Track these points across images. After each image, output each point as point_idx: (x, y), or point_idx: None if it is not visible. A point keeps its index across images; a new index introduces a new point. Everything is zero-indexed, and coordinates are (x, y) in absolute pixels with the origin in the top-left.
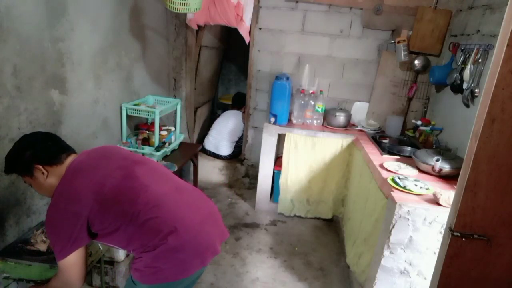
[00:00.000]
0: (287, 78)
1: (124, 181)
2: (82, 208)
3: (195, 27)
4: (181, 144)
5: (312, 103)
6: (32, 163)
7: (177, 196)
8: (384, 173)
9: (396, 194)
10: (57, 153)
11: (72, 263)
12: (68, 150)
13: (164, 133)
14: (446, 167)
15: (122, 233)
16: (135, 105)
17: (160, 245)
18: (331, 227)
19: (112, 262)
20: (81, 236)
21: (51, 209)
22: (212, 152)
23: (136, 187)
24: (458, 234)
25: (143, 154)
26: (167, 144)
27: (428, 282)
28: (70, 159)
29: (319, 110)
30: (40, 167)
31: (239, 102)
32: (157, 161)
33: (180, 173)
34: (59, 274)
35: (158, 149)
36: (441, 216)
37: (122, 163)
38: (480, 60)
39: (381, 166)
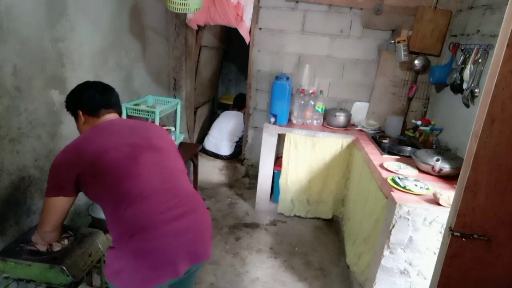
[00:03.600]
0: (287, 78)
1: (124, 159)
2: (78, 163)
3: (195, 27)
4: (181, 144)
5: (312, 103)
6: (77, 108)
7: (167, 197)
8: (384, 173)
9: (396, 194)
10: (98, 106)
11: (52, 206)
12: (110, 107)
13: None
14: (446, 167)
15: (104, 208)
16: (135, 105)
17: (124, 243)
18: (331, 227)
19: None
20: (67, 187)
21: (62, 150)
22: (213, 152)
23: (129, 171)
24: (458, 234)
25: None
26: None
27: (428, 282)
28: (108, 116)
29: (319, 110)
30: (80, 113)
31: (240, 103)
32: None
33: None
34: (42, 209)
35: None
36: (441, 216)
37: (137, 142)
38: (480, 60)
39: (381, 166)
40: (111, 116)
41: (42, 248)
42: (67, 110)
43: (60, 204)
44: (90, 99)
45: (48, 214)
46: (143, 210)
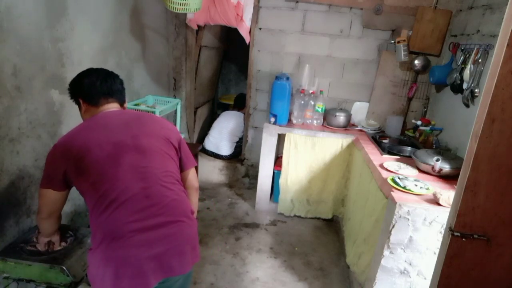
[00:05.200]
0: (287, 78)
1: (106, 160)
2: (63, 161)
3: (195, 27)
4: None
5: (312, 103)
6: (77, 96)
7: (143, 205)
8: (384, 173)
9: (396, 194)
10: (97, 95)
11: (44, 196)
12: (110, 95)
13: None
14: (446, 167)
15: (88, 207)
16: (135, 105)
17: (95, 247)
18: (331, 227)
19: None
20: (56, 181)
21: (54, 144)
22: (213, 152)
23: (109, 174)
24: (458, 234)
25: None
26: None
27: (428, 282)
28: (107, 106)
29: (319, 110)
30: (81, 101)
31: (241, 103)
32: None
33: None
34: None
35: None
36: (441, 216)
37: (123, 140)
38: (480, 60)
39: (381, 166)
40: (111, 106)
41: (42, 248)
42: (71, 99)
43: (50, 196)
44: (91, 86)
45: (42, 203)
46: (115, 217)
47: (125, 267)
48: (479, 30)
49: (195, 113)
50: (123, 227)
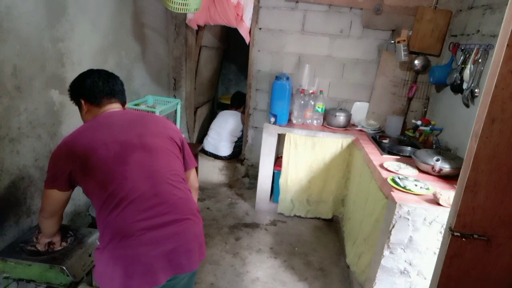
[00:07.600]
0: (287, 78)
1: (113, 159)
2: (69, 161)
3: (195, 27)
4: None
5: (312, 103)
6: (79, 96)
7: (151, 203)
8: (384, 173)
9: (396, 194)
10: (100, 95)
11: (48, 196)
12: (113, 95)
13: None
14: (446, 167)
15: (94, 207)
16: (135, 105)
17: (104, 246)
18: (331, 227)
19: None
20: (61, 181)
21: (58, 144)
22: (212, 153)
23: (117, 173)
24: (458, 234)
25: None
26: None
27: (428, 282)
28: (110, 106)
29: (319, 110)
30: (83, 101)
31: (238, 102)
32: None
33: None
34: (42, 196)
35: None
36: (441, 216)
37: (129, 140)
38: (480, 60)
39: (381, 166)
40: (113, 106)
41: (42, 248)
42: (71, 100)
43: (54, 196)
44: (93, 86)
45: (45, 202)
46: (124, 216)
47: (135, 265)
48: (479, 30)
49: (195, 113)
50: (132, 225)
